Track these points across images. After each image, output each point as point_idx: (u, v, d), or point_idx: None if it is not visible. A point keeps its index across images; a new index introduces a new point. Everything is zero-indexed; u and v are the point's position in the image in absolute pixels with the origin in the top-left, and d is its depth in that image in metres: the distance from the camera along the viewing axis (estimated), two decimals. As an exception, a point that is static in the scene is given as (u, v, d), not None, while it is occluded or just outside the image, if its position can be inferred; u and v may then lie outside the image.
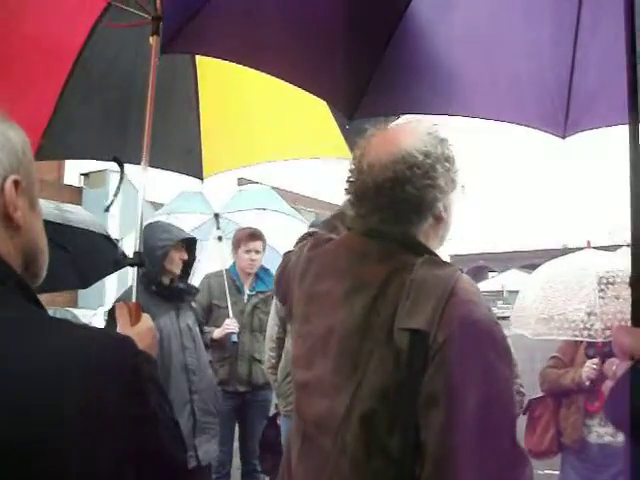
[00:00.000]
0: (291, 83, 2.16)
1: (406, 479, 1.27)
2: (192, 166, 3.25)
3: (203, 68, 2.99)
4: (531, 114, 2.33)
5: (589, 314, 3.47)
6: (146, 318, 1.72)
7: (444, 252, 1.61)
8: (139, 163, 2.04)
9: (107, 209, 2.78)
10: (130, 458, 1.05)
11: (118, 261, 3.67)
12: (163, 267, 3.34)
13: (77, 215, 3.58)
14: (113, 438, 1.01)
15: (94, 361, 1.03)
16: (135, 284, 1.96)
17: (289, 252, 1.84)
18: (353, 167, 1.50)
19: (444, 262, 1.40)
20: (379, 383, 1.30)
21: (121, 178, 2.06)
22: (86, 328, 1.19)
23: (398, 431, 1.27)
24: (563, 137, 2.31)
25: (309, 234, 1.87)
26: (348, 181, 1.51)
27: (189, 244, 3.58)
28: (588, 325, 3.45)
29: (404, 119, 2.04)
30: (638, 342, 1.19)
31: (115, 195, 2.17)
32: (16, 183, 0.97)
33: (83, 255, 3.72)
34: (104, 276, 4.22)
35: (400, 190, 1.39)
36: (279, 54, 2.04)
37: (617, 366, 1.22)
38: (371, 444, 1.30)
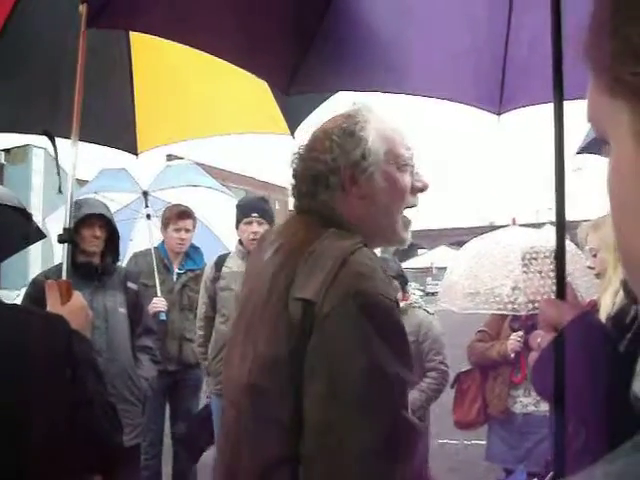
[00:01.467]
0: (223, 59, 2.12)
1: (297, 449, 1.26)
2: (127, 141, 3.16)
3: (137, 41, 2.91)
4: (467, 91, 2.35)
5: (513, 288, 3.58)
6: (77, 296, 1.68)
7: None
8: (70, 137, 1.96)
9: (60, 190, 2.60)
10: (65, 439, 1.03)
11: (30, 235, 3.53)
12: (77, 245, 3.21)
13: None
14: (48, 417, 0.99)
15: (28, 340, 1.00)
16: (66, 261, 1.89)
17: None
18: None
19: (350, 235, 1.39)
20: (271, 353, 1.30)
21: (55, 152, 1.97)
22: (17, 307, 1.16)
23: (288, 402, 1.26)
24: (498, 114, 2.34)
25: None
26: None
27: (107, 221, 3.44)
28: (512, 299, 3.57)
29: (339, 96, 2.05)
30: (562, 315, 1.22)
31: (58, 173, 2.06)
32: None
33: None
34: (15, 252, 4.06)
35: (304, 167, 1.48)
36: (210, 29, 1.99)
37: (542, 338, 1.25)
38: (262, 414, 1.31)
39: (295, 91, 2.24)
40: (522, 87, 2.27)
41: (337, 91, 2.56)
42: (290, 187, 1.55)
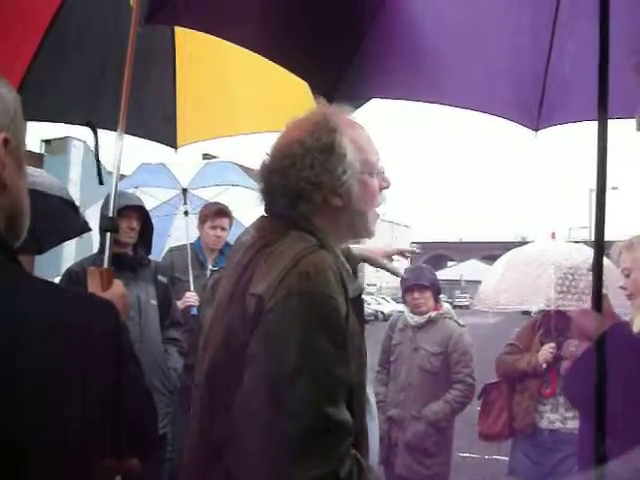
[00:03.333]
0: (271, 60, 2.16)
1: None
2: (167, 135, 3.19)
3: (181, 35, 2.94)
4: (506, 105, 2.35)
5: (546, 287, 3.58)
6: (118, 284, 1.70)
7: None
8: (111, 129, 2.00)
9: (101, 181, 2.64)
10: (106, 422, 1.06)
11: (78, 227, 3.59)
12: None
13: (42, 178, 3.50)
14: (90, 400, 1.02)
15: (78, 321, 1.03)
16: (109, 249, 1.92)
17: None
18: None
19: (310, 239, 1.46)
20: (226, 343, 1.40)
21: (96, 143, 2.02)
22: (69, 289, 1.20)
23: (234, 389, 1.33)
24: (536, 130, 2.34)
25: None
26: None
27: (143, 214, 3.50)
28: (544, 293, 3.57)
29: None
30: (597, 325, 1.25)
31: (98, 163, 2.10)
32: (6, 141, 0.96)
33: (42, 220, 3.65)
34: (61, 242, 4.15)
35: (285, 181, 1.51)
36: (262, 31, 2.02)
37: (576, 347, 1.29)
38: (216, 398, 1.42)
39: (339, 98, 2.27)
40: (562, 104, 2.27)
41: (378, 98, 2.59)
42: (262, 193, 1.60)
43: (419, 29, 2.20)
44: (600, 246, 1.50)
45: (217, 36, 2.11)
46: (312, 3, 2.01)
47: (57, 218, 3.63)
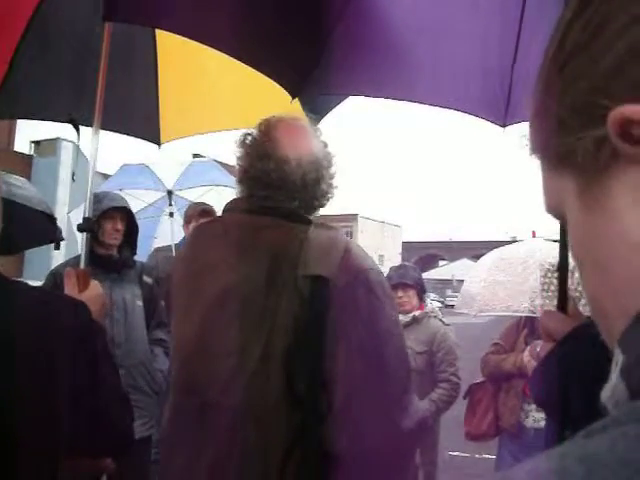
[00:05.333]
0: (237, 59, 2.14)
1: (311, 417, 1.42)
2: (150, 131, 3.17)
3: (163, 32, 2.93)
4: (474, 102, 2.37)
5: (531, 292, 3.58)
6: (95, 285, 1.70)
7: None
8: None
9: (73, 178, 2.66)
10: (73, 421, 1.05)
11: (55, 237, 3.60)
12: (96, 237, 3.26)
13: (23, 190, 3.49)
14: (53, 398, 1.01)
15: (48, 322, 1.02)
16: (85, 250, 1.92)
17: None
18: (250, 152, 1.70)
19: (331, 227, 1.64)
20: (290, 323, 1.45)
21: (78, 139, 2.01)
22: (40, 288, 1.19)
23: (306, 370, 1.42)
24: (503, 126, 2.36)
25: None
26: (245, 165, 1.70)
27: (128, 215, 3.48)
28: (529, 302, 3.57)
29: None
30: (561, 326, 1.26)
31: (76, 159, 2.10)
32: None
33: (14, 224, 3.63)
34: (31, 247, 4.14)
35: (303, 180, 1.65)
36: (225, 29, 1.99)
37: (540, 347, 1.30)
38: (287, 384, 1.43)
39: (305, 94, 2.27)
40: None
41: (347, 96, 2.60)
42: (243, 186, 1.71)
43: (388, 27, 2.19)
44: (564, 246, 1.52)
45: (178, 34, 2.10)
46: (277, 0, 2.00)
47: (29, 226, 3.62)
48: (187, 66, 3.07)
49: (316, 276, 1.46)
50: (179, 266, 1.79)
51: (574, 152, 0.42)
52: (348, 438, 1.41)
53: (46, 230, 3.53)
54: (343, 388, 1.41)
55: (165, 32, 2.83)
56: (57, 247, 3.65)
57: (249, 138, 1.73)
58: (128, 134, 3.18)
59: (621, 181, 0.40)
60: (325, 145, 1.75)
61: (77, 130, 2.05)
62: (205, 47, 2.63)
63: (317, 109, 2.95)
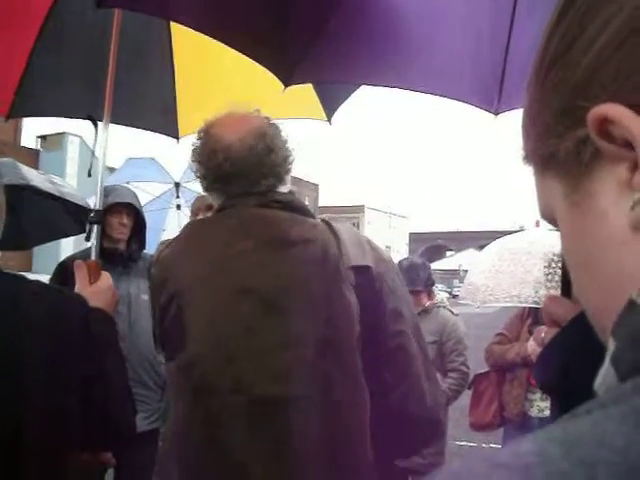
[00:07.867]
0: (229, 46, 2.14)
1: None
2: (168, 125, 3.17)
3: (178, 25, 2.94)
4: (466, 89, 2.36)
5: (536, 283, 3.58)
6: (105, 276, 1.71)
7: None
8: (114, 122, 2.00)
9: (89, 173, 2.67)
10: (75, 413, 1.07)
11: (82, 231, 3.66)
12: (103, 231, 3.29)
13: (67, 188, 3.62)
14: (63, 393, 1.03)
15: (46, 316, 1.04)
16: (96, 242, 1.93)
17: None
18: (200, 158, 1.69)
19: (338, 220, 1.78)
20: (349, 310, 1.55)
21: (95, 137, 2.03)
22: (39, 283, 1.20)
23: (369, 347, 1.55)
24: (495, 114, 2.36)
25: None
26: (202, 172, 1.69)
27: (136, 210, 3.50)
28: (534, 293, 3.58)
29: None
30: (564, 311, 1.26)
31: (93, 155, 2.11)
32: None
33: (32, 218, 3.69)
34: (50, 241, 4.18)
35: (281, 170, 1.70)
36: (218, 15, 2.00)
37: (545, 333, 1.31)
38: (345, 371, 1.52)
39: (296, 82, 2.27)
40: (520, 90, 2.27)
41: (336, 83, 2.62)
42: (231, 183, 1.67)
43: (381, 15, 2.17)
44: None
45: (170, 20, 2.08)
46: None
47: (50, 219, 3.67)
48: (204, 59, 3.04)
49: (359, 266, 1.59)
50: (184, 262, 1.64)
51: (558, 154, 0.44)
52: (415, 402, 1.63)
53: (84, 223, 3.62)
54: (403, 359, 1.63)
55: (180, 25, 2.85)
56: (87, 238, 3.70)
57: (194, 146, 1.72)
58: (147, 129, 3.19)
59: (604, 180, 0.41)
60: (267, 119, 1.76)
61: (95, 126, 2.07)
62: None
63: (326, 104, 2.95)
